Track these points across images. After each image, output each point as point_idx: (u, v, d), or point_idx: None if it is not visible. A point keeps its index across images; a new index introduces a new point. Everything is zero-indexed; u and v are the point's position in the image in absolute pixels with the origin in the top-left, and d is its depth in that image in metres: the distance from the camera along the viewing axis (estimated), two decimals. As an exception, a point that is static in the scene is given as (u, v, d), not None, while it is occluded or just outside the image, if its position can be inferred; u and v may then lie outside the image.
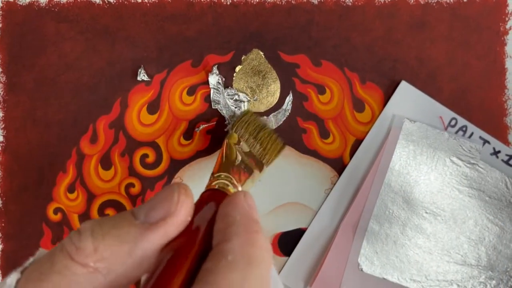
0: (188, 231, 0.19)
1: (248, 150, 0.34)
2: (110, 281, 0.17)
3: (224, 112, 0.39)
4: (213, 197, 0.21)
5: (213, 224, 0.19)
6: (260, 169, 0.34)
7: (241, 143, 0.34)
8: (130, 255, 0.17)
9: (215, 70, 0.38)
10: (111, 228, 0.18)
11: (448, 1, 0.39)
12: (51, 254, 0.17)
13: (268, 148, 0.35)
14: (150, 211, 0.18)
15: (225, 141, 0.34)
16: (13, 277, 0.17)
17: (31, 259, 0.18)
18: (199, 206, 0.21)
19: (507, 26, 0.40)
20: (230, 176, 0.29)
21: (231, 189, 0.27)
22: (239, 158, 0.32)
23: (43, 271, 0.17)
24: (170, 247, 0.18)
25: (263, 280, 0.17)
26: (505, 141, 0.39)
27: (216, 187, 0.26)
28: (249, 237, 0.18)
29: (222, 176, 0.29)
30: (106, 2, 0.39)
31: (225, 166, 0.31)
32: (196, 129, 0.38)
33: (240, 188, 0.29)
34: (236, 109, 0.39)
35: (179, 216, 0.18)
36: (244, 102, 0.39)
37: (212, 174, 0.30)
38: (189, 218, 0.19)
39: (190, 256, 0.18)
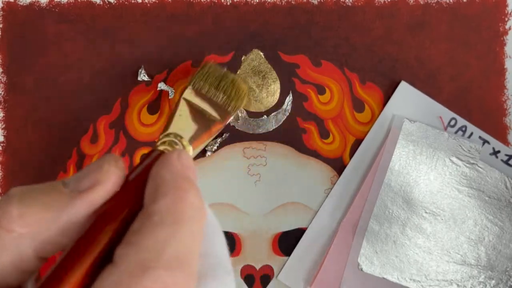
0: (118, 196, 0.19)
1: (208, 102, 0.32)
2: (36, 246, 0.17)
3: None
4: (149, 158, 0.21)
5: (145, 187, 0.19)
6: (224, 118, 0.32)
7: (199, 96, 0.32)
8: (55, 222, 0.17)
9: None
10: (38, 195, 0.18)
11: (448, 1, 0.40)
12: None
13: (233, 95, 0.33)
14: (79, 180, 0.18)
15: (179, 97, 0.32)
16: None
17: None
18: (135, 168, 0.20)
19: (507, 26, 0.40)
20: (180, 134, 0.27)
21: (177, 147, 0.26)
22: (192, 113, 0.31)
23: None
24: (98, 212, 0.18)
25: (192, 238, 0.17)
26: (505, 141, 0.39)
27: (158, 147, 0.25)
28: (177, 195, 0.18)
29: (171, 135, 0.27)
30: (107, 2, 0.39)
31: (176, 123, 0.29)
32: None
33: (190, 147, 0.27)
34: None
35: (106, 185, 0.18)
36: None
37: (160, 134, 0.29)
38: (117, 188, 0.19)
39: (116, 220, 0.18)
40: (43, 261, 0.18)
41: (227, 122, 0.33)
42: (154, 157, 0.21)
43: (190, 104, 0.32)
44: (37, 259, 0.18)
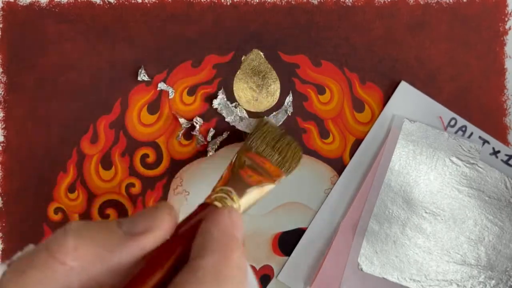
0: (168, 245, 0.19)
1: (262, 162, 0.33)
2: (82, 282, 0.18)
3: (224, 112, 0.39)
4: (202, 212, 0.22)
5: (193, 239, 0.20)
6: (275, 180, 0.33)
7: (255, 155, 0.33)
8: (105, 260, 0.18)
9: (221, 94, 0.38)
10: (94, 232, 0.18)
11: (448, 1, 0.40)
12: (36, 249, 0.18)
13: (288, 157, 0.34)
14: (133, 224, 0.19)
15: (235, 155, 0.33)
16: (0, 269, 0.18)
17: (19, 253, 0.19)
18: (187, 220, 0.21)
19: (507, 26, 0.40)
20: (231, 190, 0.28)
21: (228, 203, 0.26)
22: (245, 170, 0.31)
23: (26, 265, 0.18)
24: (147, 259, 0.19)
25: None
26: (505, 141, 0.39)
27: (211, 201, 0.25)
28: (223, 255, 0.18)
29: (224, 189, 0.28)
30: (107, 2, 0.39)
31: (230, 179, 0.30)
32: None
33: (240, 203, 0.28)
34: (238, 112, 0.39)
35: (158, 231, 0.19)
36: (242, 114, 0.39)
37: (214, 187, 0.29)
38: (168, 236, 0.20)
39: (162, 268, 0.18)
40: None
41: (277, 184, 0.33)
42: (206, 211, 0.21)
43: (244, 161, 0.32)
44: None
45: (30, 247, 0.19)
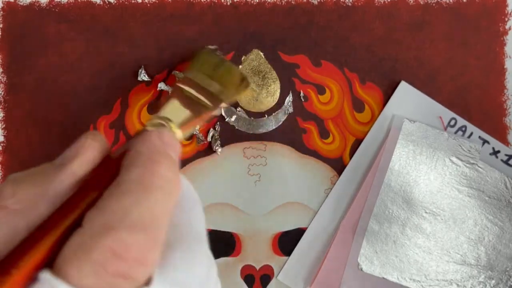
0: (99, 169, 0.20)
1: (202, 91, 0.33)
2: (28, 222, 0.18)
3: (224, 112, 0.39)
4: (136, 137, 0.22)
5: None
6: (216, 105, 0.33)
7: (193, 84, 0.33)
8: (44, 196, 0.19)
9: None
10: (30, 175, 0.19)
11: (448, 1, 0.40)
12: None
13: (227, 84, 0.34)
14: (62, 156, 0.20)
15: (174, 85, 0.33)
16: None
17: None
18: (121, 147, 0.21)
19: (507, 26, 0.40)
20: (167, 117, 0.28)
21: (164, 129, 0.26)
22: (185, 99, 0.31)
23: None
24: (79, 184, 0.19)
25: (159, 207, 0.18)
26: (505, 141, 0.39)
27: (146, 127, 0.26)
28: (148, 167, 0.19)
29: (161, 118, 0.28)
30: (107, 2, 0.39)
31: (167, 108, 0.30)
32: None
33: (179, 130, 0.28)
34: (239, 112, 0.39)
35: (84, 155, 0.20)
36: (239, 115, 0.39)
37: (151, 116, 0.29)
38: (96, 158, 0.20)
39: (94, 189, 0.19)
40: None
41: (220, 109, 0.34)
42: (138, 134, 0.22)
43: (183, 92, 0.32)
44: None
45: None
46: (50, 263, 0.17)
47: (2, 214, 0.18)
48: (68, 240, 0.17)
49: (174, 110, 0.30)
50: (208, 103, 0.32)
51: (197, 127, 0.31)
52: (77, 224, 0.18)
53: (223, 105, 0.33)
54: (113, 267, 0.16)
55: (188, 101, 0.32)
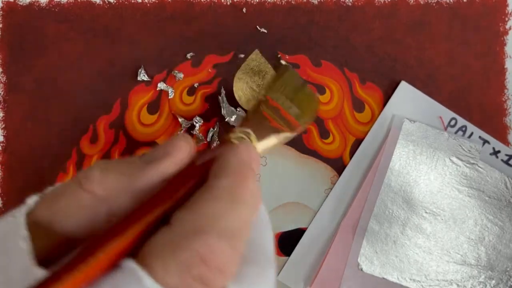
0: (186, 172, 0.21)
1: (281, 112, 0.34)
2: (108, 209, 0.19)
3: (224, 112, 0.39)
4: (220, 148, 0.23)
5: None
6: (293, 129, 0.34)
7: (273, 104, 0.34)
8: (129, 187, 0.19)
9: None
10: (118, 165, 0.20)
11: (448, 1, 0.40)
12: (65, 183, 0.20)
13: (305, 109, 0.34)
14: (152, 153, 0.21)
15: (258, 102, 0.34)
16: (32, 199, 0.19)
17: (50, 188, 0.20)
18: (205, 154, 0.22)
19: (507, 26, 0.40)
20: (249, 132, 0.29)
21: (250, 143, 0.28)
22: (264, 117, 0.32)
23: (56, 194, 0.19)
24: (166, 183, 0.20)
25: (244, 219, 0.19)
26: (505, 141, 0.39)
27: (229, 139, 0.27)
28: (239, 179, 0.19)
29: (242, 130, 0.29)
30: (106, 2, 0.39)
31: (249, 123, 0.31)
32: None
33: (258, 144, 0.29)
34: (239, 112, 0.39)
35: (175, 156, 0.20)
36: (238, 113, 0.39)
37: (233, 128, 0.30)
38: (185, 160, 0.21)
39: (179, 191, 0.19)
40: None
41: (296, 134, 0.34)
42: (224, 147, 0.23)
43: (263, 108, 0.33)
44: (108, 222, 0.19)
45: (59, 184, 0.21)
46: (130, 255, 0.17)
47: (88, 197, 0.19)
48: (155, 235, 0.17)
49: (257, 126, 0.31)
50: (287, 126, 0.33)
51: (272, 147, 0.32)
52: (159, 222, 0.18)
53: (300, 129, 0.34)
54: (197, 271, 0.17)
55: (269, 119, 0.33)
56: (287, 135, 0.33)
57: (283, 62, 0.38)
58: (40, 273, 0.16)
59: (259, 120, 0.32)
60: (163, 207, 0.19)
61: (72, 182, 0.19)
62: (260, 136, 0.30)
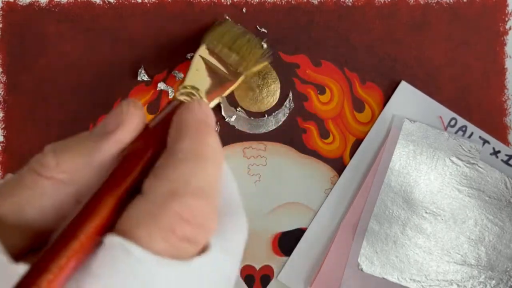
0: (142, 137, 0.20)
1: (220, 61, 0.34)
2: (74, 191, 0.19)
3: (224, 112, 0.39)
4: (171, 107, 0.22)
5: (168, 130, 0.21)
6: (236, 77, 0.34)
7: (214, 54, 0.34)
8: (88, 166, 0.19)
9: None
10: (70, 145, 0.19)
11: (448, 1, 0.40)
12: (19, 173, 0.19)
13: (245, 56, 0.34)
14: (104, 125, 0.20)
15: (196, 54, 0.34)
16: None
17: (0, 181, 0.19)
18: (156, 116, 0.22)
19: (507, 26, 0.40)
20: (197, 87, 0.29)
21: (195, 99, 0.27)
22: (207, 69, 0.33)
23: (13, 187, 0.18)
24: (124, 153, 0.20)
25: (212, 176, 0.19)
26: (505, 141, 0.39)
27: (176, 97, 0.26)
28: (199, 137, 0.19)
29: (188, 87, 0.29)
30: (106, 2, 0.39)
31: (192, 78, 0.31)
32: None
33: (206, 99, 0.30)
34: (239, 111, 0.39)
35: (128, 124, 0.20)
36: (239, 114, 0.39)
37: (178, 86, 0.30)
38: (139, 126, 0.20)
39: (142, 158, 0.19)
40: None
41: (239, 81, 0.34)
42: (175, 105, 0.22)
43: (204, 61, 0.33)
44: (78, 203, 0.19)
45: (10, 175, 0.20)
46: (109, 231, 0.17)
47: (49, 184, 0.18)
48: (130, 207, 0.17)
49: (199, 79, 0.31)
50: (229, 74, 0.33)
51: (219, 97, 0.33)
52: (130, 194, 0.18)
53: (242, 77, 0.34)
54: (181, 231, 0.17)
55: (210, 71, 0.33)
56: (230, 84, 0.33)
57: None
58: (20, 269, 0.16)
59: (202, 72, 0.32)
60: (131, 177, 0.19)
61: (28, 172, 0.18)
62: (205, 88, 0.30)
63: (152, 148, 0.20)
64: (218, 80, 0.32)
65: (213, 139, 0.20)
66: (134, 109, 0.20)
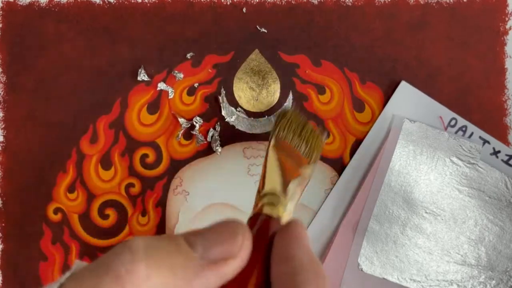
0: (243, 269, 0.18)
1: (291, 152, 0.30)
2: None
3: (224, 112, 0.39)
4: (262, 225, 0.21)
5: (266, 256, 0.19)
6: (308, 170, 0.30)
7: (283, 146, 0.30)
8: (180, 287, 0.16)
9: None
10: (165, 255, 0.16)
11: (448, 1, 0.40)
12: (95, 273, 0.15)
13: (313, 145, 0.31)
14: (210, 248, 0.17)
15: (267, 150, 0.30)
16: (65, 276, 0.16)
17: (67, 274, 0.16)
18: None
19: (507, 26, 0.40)
20: (276, 194, 0.26)
21: (280, 209, 0.24)
22: (282, 166, 0.29)
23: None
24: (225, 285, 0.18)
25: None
26: (505, 141, 0.39)
27: (263, 210, 0.24)
28: (320, 285, 0.18)
29: (267, 193, 0.26)
30: (106, 2, 0.39)
31: (269, 179, 0.28)
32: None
33: (288, 203, 0.26)
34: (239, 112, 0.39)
35: (239, 260, 0.18)
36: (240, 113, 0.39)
37: (258, 192, 0.27)
38: (246, 260, 0.18)
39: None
40: None
41: (309, 178, 0.31)
42: (263, 221, 0.21)
43: (276, 157, 0.30)
44: None
45: (79, 264, 0.17)
46: None
47: None
48: None
49: (276, 181, 0.28)
50: (298, 166, 0.30)
51: (299, 198, 0.29)
52: None
53: (309, 170, 0.31)
54: None
55: (288, 164, 0.29)
56: (306, 176, 0.30)
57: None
58: None
59: (276, 172, 0.28)
60: None
61: (107, 277, 0.15)
62: (285, 191, 0.27)
63: (256, 280, 0.18)
64: (295, 175, 0.29)
65: (329, 283, 0.18)
66: (248, 242, 0.18)
